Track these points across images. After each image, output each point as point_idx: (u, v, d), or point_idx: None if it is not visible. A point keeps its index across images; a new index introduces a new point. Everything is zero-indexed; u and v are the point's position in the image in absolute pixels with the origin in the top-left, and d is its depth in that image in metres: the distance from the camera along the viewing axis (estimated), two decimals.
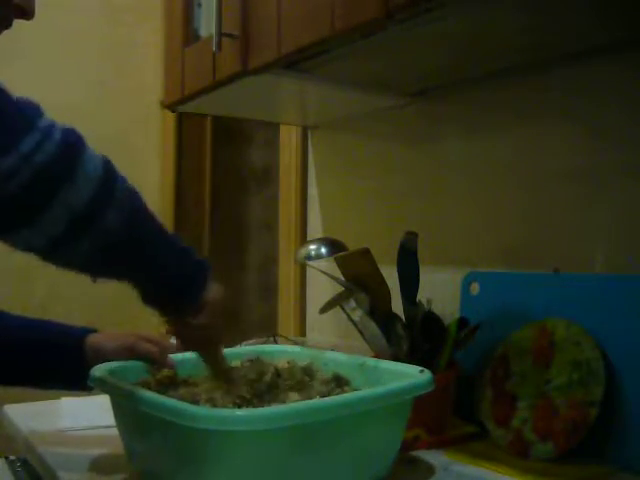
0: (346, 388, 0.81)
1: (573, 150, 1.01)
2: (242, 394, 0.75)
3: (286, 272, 1.70)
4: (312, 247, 1.09)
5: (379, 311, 0.96)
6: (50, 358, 0.90)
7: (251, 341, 1.35)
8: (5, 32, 0.74)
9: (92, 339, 0.90)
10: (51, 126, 0.60)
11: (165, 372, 0.81)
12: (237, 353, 0.95)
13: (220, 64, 1.16)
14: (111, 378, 0.76)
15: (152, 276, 0.70)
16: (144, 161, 2.34)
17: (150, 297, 0.73)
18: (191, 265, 0.74)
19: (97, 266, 0.67)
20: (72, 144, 0.60)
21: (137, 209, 0.67)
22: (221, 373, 0.81)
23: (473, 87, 1.16)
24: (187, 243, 0.75)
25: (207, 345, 0.80)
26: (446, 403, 0.95)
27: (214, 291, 0.77)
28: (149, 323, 2.36)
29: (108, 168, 0.63)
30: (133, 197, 0.66)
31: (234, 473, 0.64)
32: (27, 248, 0.62)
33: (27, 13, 0.74)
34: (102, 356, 0.87)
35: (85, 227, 0.60)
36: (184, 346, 0.82)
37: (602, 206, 0.97)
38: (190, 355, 0.95)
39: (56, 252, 0.62)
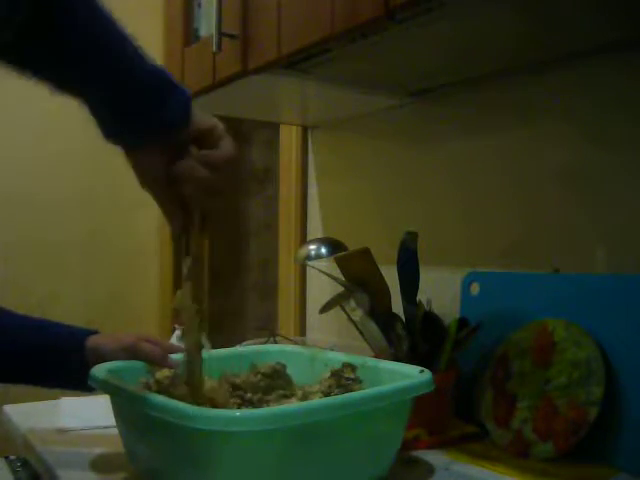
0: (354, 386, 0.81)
1: (573, 150, 1.01)
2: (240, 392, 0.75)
3: (286, 272, 1.70)
4: (312, 247, 1.09)
5: (379, 311, 0.96)
6: (51, 358, 0.90)
7: (251, 341, 1.35)
8: None
9: (93, 340, 0.90)
10: None
11: (165, 372, 0.81)
12: (237, 353, 0.95)
13: (220, 64, 1.16)
14: (111, 378, 0.76)
15: (119, 78, 0.59)
16: None
17: (125, 115, 0.60)
18: (165, 74, 0.62)
19: (39, 57, 0.57)
20: None
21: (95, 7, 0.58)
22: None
23: (473, 87, 1.16)
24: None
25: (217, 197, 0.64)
26: (446, 403, 0.95)
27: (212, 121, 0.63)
28: (149, 323, 2.36)
29: None
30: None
31: (234, 473, 0.64)
32: None
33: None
34: (102, 357, 0.87)
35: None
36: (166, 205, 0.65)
37: (602, 206, 0.97)
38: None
39: None
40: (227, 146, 0.63)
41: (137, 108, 0.61)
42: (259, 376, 0.83)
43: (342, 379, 0.81)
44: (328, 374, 0.82)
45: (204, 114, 0.64)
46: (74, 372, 0.87)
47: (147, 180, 0.64)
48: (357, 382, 0.81)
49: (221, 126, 0.64)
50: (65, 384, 0.93)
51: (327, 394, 0.79)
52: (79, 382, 0.85)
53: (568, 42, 0.96)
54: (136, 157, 0.64)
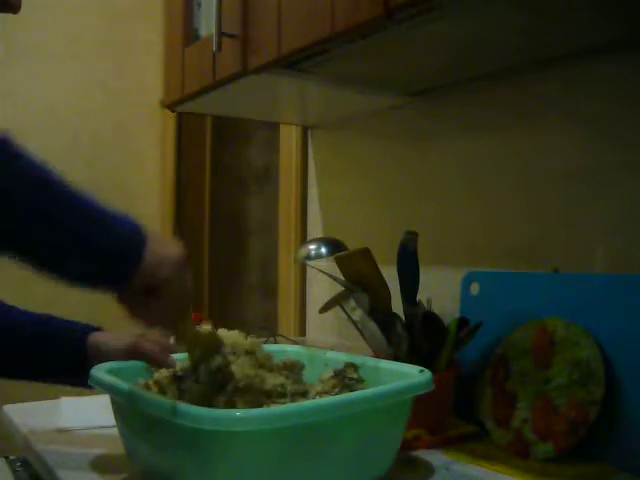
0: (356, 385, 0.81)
1: (573, 150, 1.01)
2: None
3: (286, 272, 1.70)
4: (312, 247, 1.09)
5: (379, 311, 0.96)
6: (52, 353, 0.90)
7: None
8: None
9: (94, 338, 0.90)
10: None
11: (164, 372, 0.81)
12: None
13: (220, 64, 1.17)
14: (111, 378, 0.76)
15: (67, 250, 0.63)
16: (144, 161, 2.34)
17: (75, 277, 0.65)
18: (119, 229, 0.65)
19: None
20: None
21: (37, 179, 0.61)
22: (196, 348, 0.74)
23: (473, 87, 1.16)
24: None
25: (170, 317, 0.70)
26: (446, 403, 0.95)
27: (165, 249, 0.66)
28: None
29: None
30: (31, 168, 0.61)
31: (234, 473, 0.64)
32: None
33: (12, 7, 0.71)
34: (103, 356, 0.87)
35: None
36: (147, 323, 0.71)
37: (602, 206, 0.97)
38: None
39: None
40: (168, 294, 0.66)
41: (101, 277, 0.65)
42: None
43: (345, 379, 0.81)
44: (331, 374, 0.82)
45: (157, 252, 0.66)
46: (75, 368, 0.87)
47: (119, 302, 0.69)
48: (360, 382, 0.81)
49: (168, 268, 0.66)
50: (65, 380, 0.93)
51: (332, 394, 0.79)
52: (79, 378, 0.85)
53: (568, 41, 0.96)
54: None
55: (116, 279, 0.65)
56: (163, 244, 0.67)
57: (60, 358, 0.90)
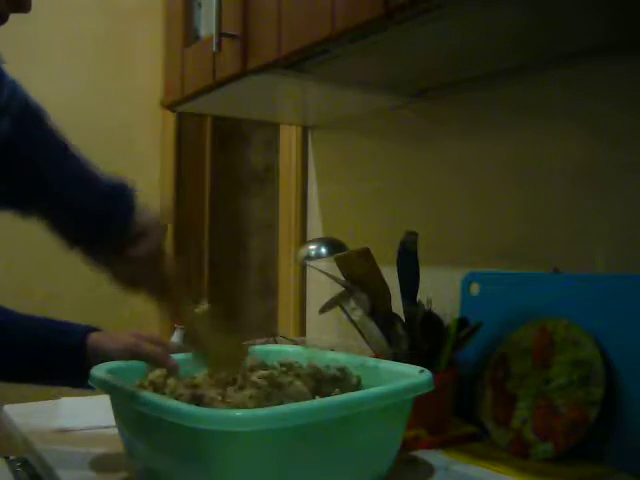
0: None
1: (573, 150, 1.01)
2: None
3: (286, 272, 1.70)
4: (312, 247, 1.09)
5: (379, 311, 0.96)
6: (51, 355, 0.90)
7: (251, 341, 1.35)
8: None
9: (93, 339, 0.90)
10: None
11: (157, 372, 0.81)
12: None
13: (220, 64, 1.17)
14: (111, 378, 0.76)
15: (57, 203, 0.67)
16: (144, 161, 2.34)
17: (63, 231, 0.69)
18: (109, 189, 0.69)
19: None
20: None
21: (33, 119, 0.65)
22: (182, 319, 0.77)
23: (473, 87, 1.16)
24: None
25: (153, 283, 0.73)
26: (446, 403, 0.95)
27: (150, 217, 0.71)
28: (150, 323, 2.36)
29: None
30: (29, 109, 0.64)
31: (234, 473, 0.64)
32: None
33: (23, 7, 0.72)
34: (103, 356, 0.87)
35: None
36: (126, 286, 0.74)
37: (602, 206, 0.97)
38: (189, 355, 0.95)
39: None
40: (146, 244, 0.71)
41: (92, 232, 0.70)
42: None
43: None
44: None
45: (145, 215, 0.72)
46: (74, 369, 0.87)
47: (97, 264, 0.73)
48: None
49: (151, 230, 0.71)
50: (65, 381, 0.93)
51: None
52: (79, 380, 0.85)
53: (569, 41, 0.96)
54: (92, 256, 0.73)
55: (107, 237, 0.69)
56: (146, 208, 0.71)
57: (60, 359, 0.90)
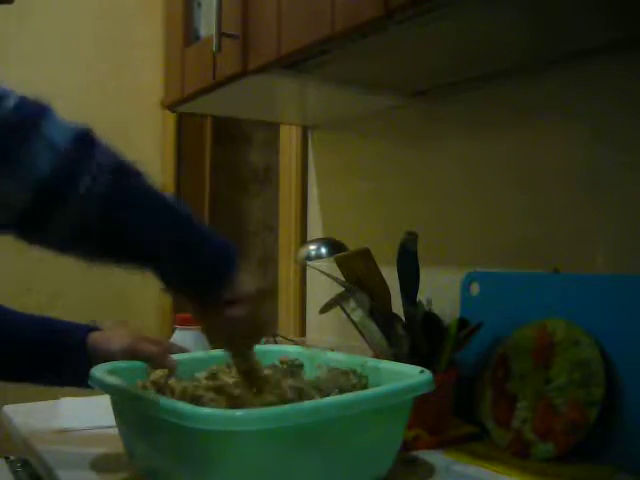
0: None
1: (573, 150, 1.01)
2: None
3: (286, 272, 1.70)
4: (312, 247, 1.09)
5: (379, 311, 0.96)
6: (51, 354, 0.90)
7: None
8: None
9: (93, 338, 0.90)
10: (5, 96, 0.57)
11: (159, 373, 0.81)
12: None
13: (220, 64, 1.16)
14: (111, 378, 0.76)
15: (163, 258, 0.65)
16: (144, 161, 2.34)
17: (168, 282, 0.68)
18: (215, 244, 0.69)
19: (82, 245, 0.62)
20: (27, 111, 0.57)
21: (126, 175, 0.63)
22: (253, 378, 0.78)
23: (473, 87, 1.16)
24: None
25: (240, 343, 0.74)
26: (446, 403, 0.95)
27: (247, 281, 0.71)
28: (150, 323, 2.36)
29: (82, 137, 0.60)
30: (119, 164, 0.62)
31: (234, 473, 0.64)
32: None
33: None
34: (103, 356, 0.87)
35: (55, 199, 0.56)
36: (214, 343, 0.76)
37: (602, 206, 0.97)
38: (189, 356, 0.95)
39: (29, 228, 0.58)
40: (240, 309, 0.71)
41: (190, 285, 0.70)
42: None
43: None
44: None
45: (244, 280, 0.71)
46: (74, 369, 0.87)
47: (194, 311, 0.74)
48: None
49: (248, 296, 0.71)
50: (65, 381, 0.93)
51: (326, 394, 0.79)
52: (79, 379, 0.85)
53: (569, 41, 0.96)
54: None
55: (213, 284, 0.68)
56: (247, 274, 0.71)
57: (60, 359, 0.90)
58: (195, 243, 0.67)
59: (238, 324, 0.71)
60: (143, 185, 0.65)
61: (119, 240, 0.63)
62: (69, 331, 0.92)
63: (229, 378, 0.81)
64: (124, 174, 0.63)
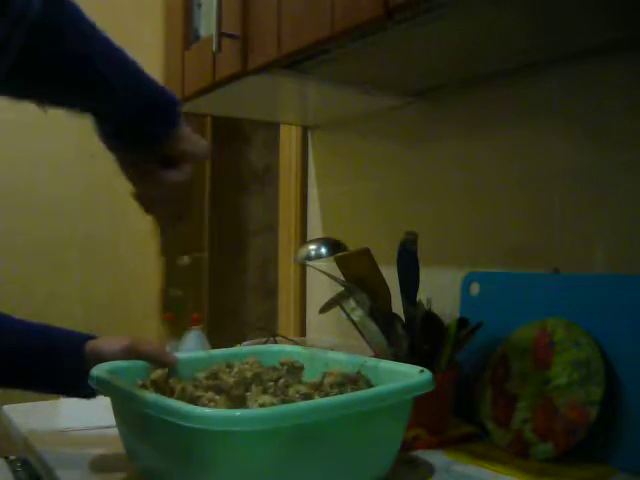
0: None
1: (573, 150, 1.01)
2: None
3: (286, 272, 1.70)
4: (312, 247, 1.09)
5: (379, 311, 0.96)
6: (48, 363, 0.89)
7: (251, 341, 1.35)
8: None
9: (91, 344, 0.89)
10: None
11: (159, 372, 0.81)
12: (237, 353, 0.95)
13: (220, 64, 1.16)
14: (111, 378, 0.76)
15: (107, 93, 0.62)
16: None
17: (113, 125, 0.64)
18: (162, 88, 0.65)
19: (25, 71, 0.57)
20: None
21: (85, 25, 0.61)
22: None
23: (473, 87, 1.16)
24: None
25: (173, 205, 0.70)
26: (446, 403, 0.95)
27: (191, 137, 0.67)
28: (148, 324, 2.36)
29: None
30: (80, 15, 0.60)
31: (234, 473, 0.64)
32: None
33: None
34: (102, 359, 0.86)
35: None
36: (146, 207, 0.70)
37: (602, 206, 0.97)
38: (189, 356, 0.95)
39: None
40: (184, 170, 0.68)
41: (134, 126, 0.66)
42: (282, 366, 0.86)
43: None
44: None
45: (188, 132, 0.68)
46: (72, 378, 0.86)
47: (127, 174, 0.70)
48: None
49: (193, 150, 0.68)
50: (62, 390, 0.92)
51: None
52: (77, 388, 0.85)
53: (569, 42, 0.96)
54: (120, 155, 0.70)
55: (159, 128, 0.65)
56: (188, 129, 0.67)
57: (57, 368, 0.89)
58: (147, 80, 0.65)
59: (175, 189, 0.67)
60: (87, 18, 0.64)
61: (67, 66, 0.60)
62: (66, 339, 0.91)
63: (229, 378, 0.81)
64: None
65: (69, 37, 0.60)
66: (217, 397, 0.74)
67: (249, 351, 0.97)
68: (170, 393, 0.77)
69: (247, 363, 0.86)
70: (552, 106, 1.04)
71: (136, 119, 0.65)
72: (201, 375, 0.83)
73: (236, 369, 0.85)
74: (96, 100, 0.63)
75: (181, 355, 0.91)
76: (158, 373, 0.80)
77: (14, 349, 0.89)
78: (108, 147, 0.68)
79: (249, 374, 0.82)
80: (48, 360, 0.89)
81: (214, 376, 0.82)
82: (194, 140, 0.69)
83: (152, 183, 0.67)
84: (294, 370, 0.86)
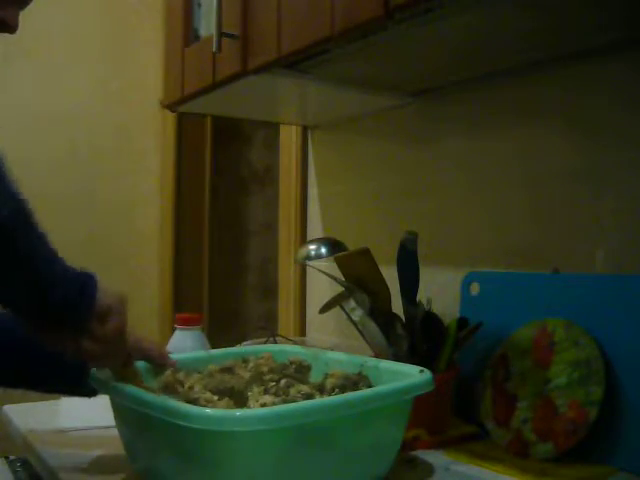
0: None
1: (573, 150, 1.01)
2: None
3: (286, 272, 1.70)
4: (312, 247, 1.09)
5: (379, 311, 0.96)
6: (50, 362, 0.89)
7: (251, 341, 1.35)
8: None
9: None
10: None
11: (168, 373, 0.81)
12: (237, 353, 0.95)
13: (220, 64, 1.16)
14: (111, 378, 0.76)
15: (38, 289, 0.66)
16: (144, 161, 2.34)
17: (35, 316, 0.70)
18: (76, 273, 0.71)
19: None
20: None
21: (18, 210, 0.64)
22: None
23: (473, 87, 1.16)
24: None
25: (115, 359, 0.76)
26: (446, 403, 0.95)
27: (113, 296, 0.73)
28: (149, 323, 2.36)
29: None
30: (16, 199, 0.64)
31: (234, 473, 0.64)
32: None
33: (9, 26, 0.74)
34: None
35: None
36: (92, 362, 0.77)
37: (602, 206, 0.97)
38: (189, 356, 0.95)
39: None
40: (113, 323, 0.73)
41: (49, 316, 0.70)
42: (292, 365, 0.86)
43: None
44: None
45: (106, 294, 0.73)
46: (73, 377, 0.86)
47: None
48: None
49: (116, 307, 0.74)
50: (65, 389, 0.92)
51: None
52: (78, 387, 0.85)
53: (569, 41, 0.96)
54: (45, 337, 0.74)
55: (72, 321, 0.70)
56: (107, 291, 0.73)
57: (58, 367, 0.89)
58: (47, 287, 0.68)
59: (110, 342, 0.72)
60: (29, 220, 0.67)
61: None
62: None
63: (245, 372, 0.81)
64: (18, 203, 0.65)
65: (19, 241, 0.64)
66: (215, 398, 0.74)
67: (249, 351, 0.97)
68: (180, 386, 0.78)
69: (262, 358, 0.87)
70: (552, 106, 1.04)
71: (54, 312, 0.69)
72: (215, 369, 0.83)
73: (252, 364, 0.85)
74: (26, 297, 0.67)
75: (181, 355, 0.91)
76: (167, 374, 0.81)
77: (14, 349, 0.89)
78: (34, 335, 0.73)
79: (265, 369, 0.83)
80: (51, 359, 0.89)
81: (229, 370, 0.83)
82: (114, 308, 0.73)
83: (89, 341, 0.72)
84: (302, 369, 0.86)
